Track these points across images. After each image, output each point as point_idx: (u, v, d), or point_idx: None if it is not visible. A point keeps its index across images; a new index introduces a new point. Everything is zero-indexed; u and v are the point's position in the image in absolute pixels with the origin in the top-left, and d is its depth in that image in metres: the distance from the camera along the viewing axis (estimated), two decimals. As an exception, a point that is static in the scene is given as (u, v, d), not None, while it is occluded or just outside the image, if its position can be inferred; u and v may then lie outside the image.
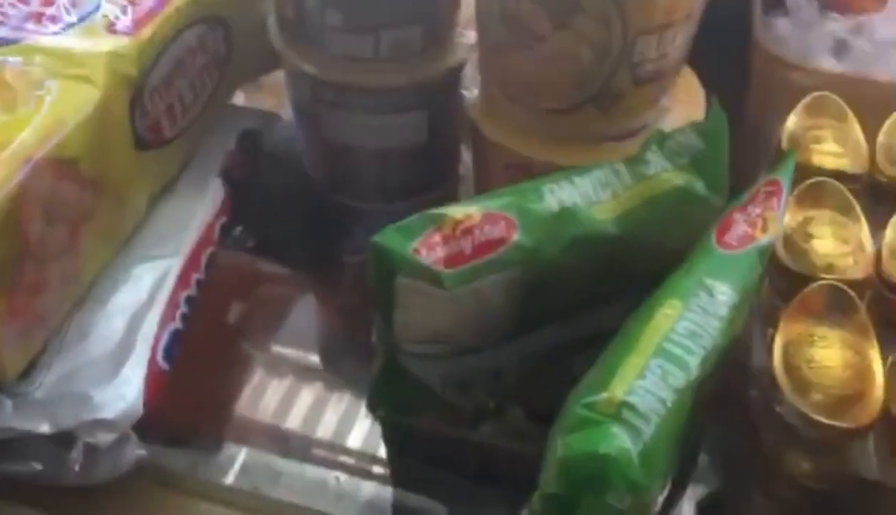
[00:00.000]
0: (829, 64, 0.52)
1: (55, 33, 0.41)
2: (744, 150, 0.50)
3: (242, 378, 0.49)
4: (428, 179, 0.56)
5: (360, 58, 0.49)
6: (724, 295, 0.36)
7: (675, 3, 0.41)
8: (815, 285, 0.41)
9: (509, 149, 0.46)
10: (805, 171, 0.47)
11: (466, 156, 0.57)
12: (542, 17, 0.41)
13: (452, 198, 0.56)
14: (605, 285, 0.40)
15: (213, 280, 0.49)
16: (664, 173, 0.40)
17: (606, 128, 0.45)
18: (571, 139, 0.45)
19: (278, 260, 0.57)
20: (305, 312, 0.57)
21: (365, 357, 0.42)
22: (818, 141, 0.49)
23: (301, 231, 0.58)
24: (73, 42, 0.40)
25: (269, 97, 0.63)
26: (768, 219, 0.40)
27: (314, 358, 0.53)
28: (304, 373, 0.51)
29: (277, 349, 0.52)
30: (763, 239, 0.39)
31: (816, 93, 0.50)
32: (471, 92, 0.48)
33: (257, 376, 0.50)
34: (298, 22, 0.49)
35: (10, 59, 0.39)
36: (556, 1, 0.40)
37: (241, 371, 0.50)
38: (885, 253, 0.42)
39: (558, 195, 0.39)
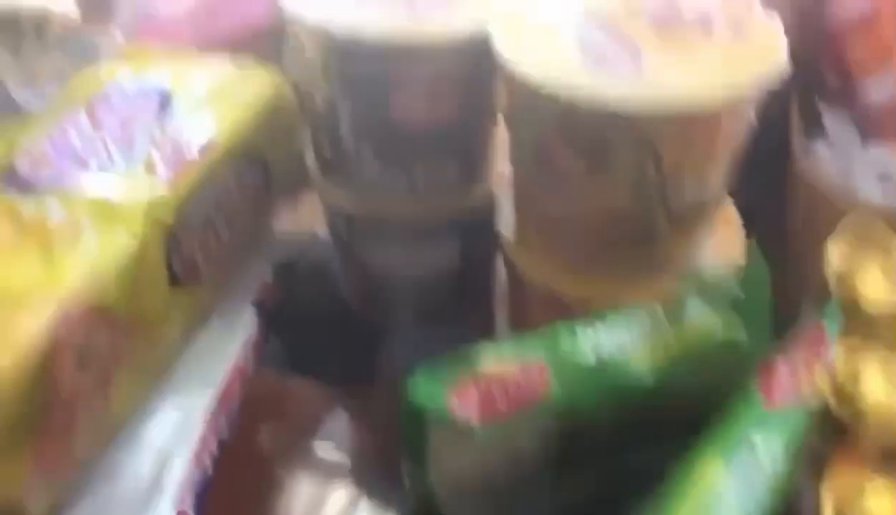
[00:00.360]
0: (875, 196, 0.51)
1: (96, 177, 0.42)
2: (786, 287, 0.49)
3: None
4: (463, 306, 0.55)
5: (395, 192, 0.49)
6: (769, 451, 0.35)
7: (712, 142, 0.41)
8: (865, 432, 0.39)
9: (544, 286, 0.45)
10: (852, 309, 0.46)
11: (502, 279, 0.57)
12: (574, 160, 0.41)
13: (487, 323, 0.56)
14: (640, 430, 0.39)
15: (243, 399, 0.48)
16: (704, 321, 0.39)
17: (643, 265, 0.44)
18: (607, 276, 0.45)
19: (310, 376, 0.57)
20: (337, 433, 0.56)
21: (399, 481, 0.41)
22: (865, 276, 0.48)
23: (334, 348, 0.58)
24: (113, 188, 0.41)
25: (307, 214, 0.64)
26: (814, 367, 0.38)
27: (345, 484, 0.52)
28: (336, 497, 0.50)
29: (307, 474, 0.51)
30: (809, 390, 0.37)
31: (862, 221, 0.49)
32: (506, 224, 0.48)
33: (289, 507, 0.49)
34: (334, 157, 0.50)
35: (50, 204, 0.40)
36: (588, 144, 0.40)
37: (271, 504, 0.49)
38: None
39: (594, 341, 0.39)
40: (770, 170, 0.52)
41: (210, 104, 0.48)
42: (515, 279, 0.48)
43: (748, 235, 0.47)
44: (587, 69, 0.39)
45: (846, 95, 0.58)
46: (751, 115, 0.42)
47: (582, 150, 0.41)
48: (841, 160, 0.53)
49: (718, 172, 0.43)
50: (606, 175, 0.41)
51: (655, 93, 0.38)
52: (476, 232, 0.52)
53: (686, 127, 0.39)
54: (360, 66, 0.45)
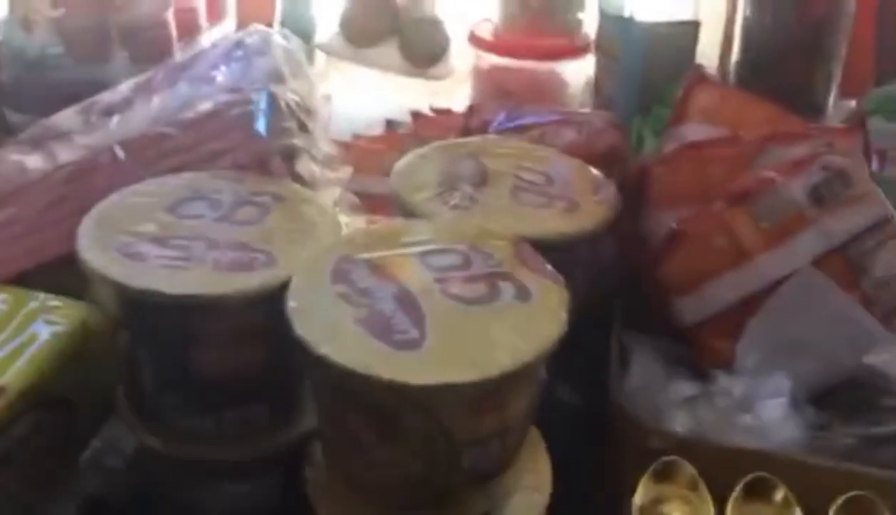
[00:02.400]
0: (679, 424, 0.53)
1: None
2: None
3: None
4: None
5: (202, 435, 0.48)
6: None
7: (501, 406, 0.41)
8: None
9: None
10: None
11: None
12: (365, 427, 0.41)
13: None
14: None
15: None
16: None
17: (445, 523, 0.44)
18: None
19: None
20: None
21: None
22: (667, 511, 0.49)
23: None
24: None
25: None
26: None
27: None
28: None
29: None
30: None
31: (667, 459, 0.51)
32: (314, 473, 0.47)
33: None
34: (139, 400, 0.49)
35: None
36: (382, 419, 0.40)
37: None
38: None
39: None
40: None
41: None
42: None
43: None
44: (375, 344, 0.39)
45: (661, 320, 0.61)
46: (541, 373, 0.43)
47: (372, 419, 0.41)
48: (649, 389, 0.55)
49: (516, 429, 0.44)
50: (397, 443, 0.41)
51: (437, 367, 0.39)
52: (294, 469, 0.51)
53: (471, 396, 0.40)
54: (157, 319, 0.45)
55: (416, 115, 0.97)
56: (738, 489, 0.49)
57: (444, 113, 0.97)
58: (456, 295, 0.43)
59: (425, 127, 0.95)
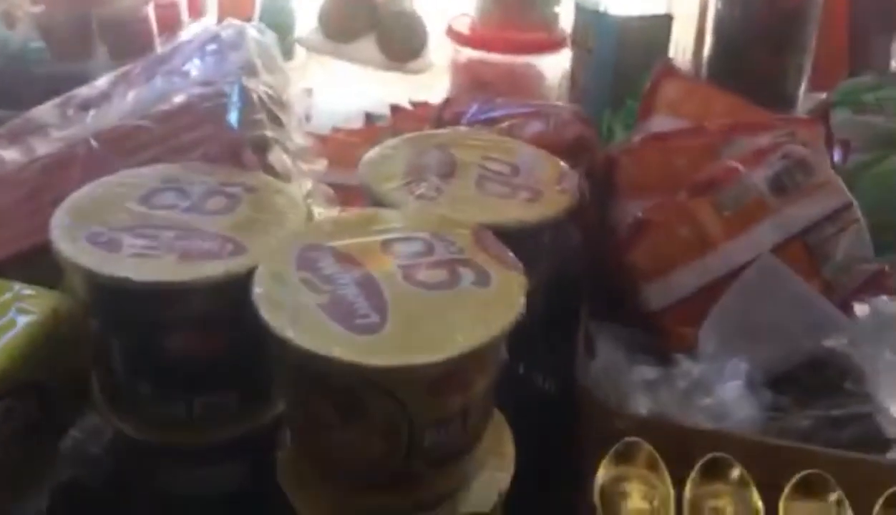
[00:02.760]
0: (642, 406, 0.54)
1: None
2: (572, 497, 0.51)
3: None
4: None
5: (174, 420, 0.49)
6: None
7: (461, 388, 0.43)
8: None
9: (315, 523, 0.46)
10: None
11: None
12: (330, 411, 0.42)
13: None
14: None
15: None
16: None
17: (409, 504, 0.45)
18: (377, 513, 0.45)
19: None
20: None
21: None
22: (626, 496, 0.50)
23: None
24: None
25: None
26: None
27: None
28: None
29: None
30: None
31: (628, 440, 0.52)
32: (285, 457, 0.48)
33: None
34: (112, 386, 0.50)
35: None
36: (344, 400, 0.41)
37: None
38: None
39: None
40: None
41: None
42: (289, 509, 0.48)
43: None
44: (336, 328, 0.41)
45: (627, 306, 0.62)
46: (501, 354, 0.44)
47: (334, 401, 0.42)
48: (612, 372, 0.56)
49: (477, 410, 0.45)
50: (359, 424, 0.42)
51: (396, 350, 0.40)
52: (265, 452, 0.52)
53: (430, 378, 0.41)
54: (126, 307, 0.46)
55: (395, 109, 0.98)
56: (695, 468, 0.51)
57: (423, 106, 0.98)
58: (417, 281, 0.44)
59: (404, 120, 0.96)
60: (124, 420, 0.50)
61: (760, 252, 0.59)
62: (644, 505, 0.49)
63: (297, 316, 0.41)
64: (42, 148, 0.64)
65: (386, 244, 0.47)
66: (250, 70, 0.62)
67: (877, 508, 0.49)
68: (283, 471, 0.47)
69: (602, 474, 0.50)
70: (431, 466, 0.44)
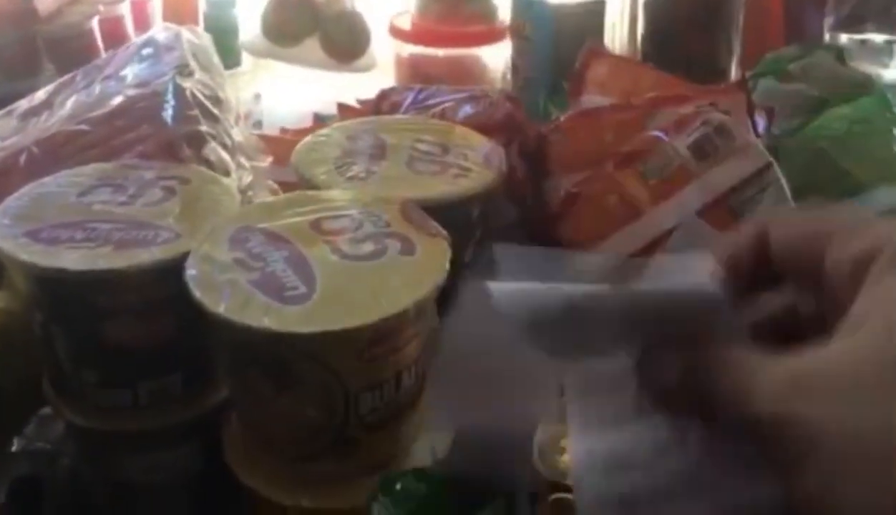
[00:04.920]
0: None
1: None
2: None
3: None
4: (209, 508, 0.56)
5: (120, 408, 0.50)
6: None
7: (393, 351, 0.45)
8: None
9: (262, 495, 0.47)
10: (552, 484, 0.50)
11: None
12: (266, 383, 0.44)
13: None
14: None
15: None
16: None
17: (351, 469, 0.47)
18: (320, 481, 0.47)
19: None
20: None
21: None
22: (564, 451, 0.52)
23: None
24: None
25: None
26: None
27: None
28: None
29: None
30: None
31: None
32: (229, 431, 0.50)
33: None
34: (58, 378, 0.51)
35: None
36: (277, 371, 0.43)
37: None
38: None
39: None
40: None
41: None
42: (238, 485, 0.49)
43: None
44: (266, 300, 0.42)
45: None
46: (430, 319, 0.46)
47: (268, 372, 0.44)
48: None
49: (409, 374, 0.47)
50: (294, 393, 0.44)
51: (323, 317, 0.42)
52: (214, 434, 0.53)
53: (357, 342, 0.43)
54: (66, 298, 0.47)
55: (343, 107, 0.99)
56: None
57: (369, 103, 1.00)
58: (345, 254, 0.46)
59: (352, 118, 0.98)
60: (73, 410, 0.51)
61: (686, 215, 0.62)
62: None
63: (228, 293, 0.43)
64: (-15, 159, 0.65)
65: (315, 222, 0.48)
66: (185, 70, 0.63)
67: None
68: (229, 447, 0.49)
69: (540, 433, 0.52)
70: (369, 431, 0.46)
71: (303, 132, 0.99)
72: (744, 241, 0.28)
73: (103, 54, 1.05)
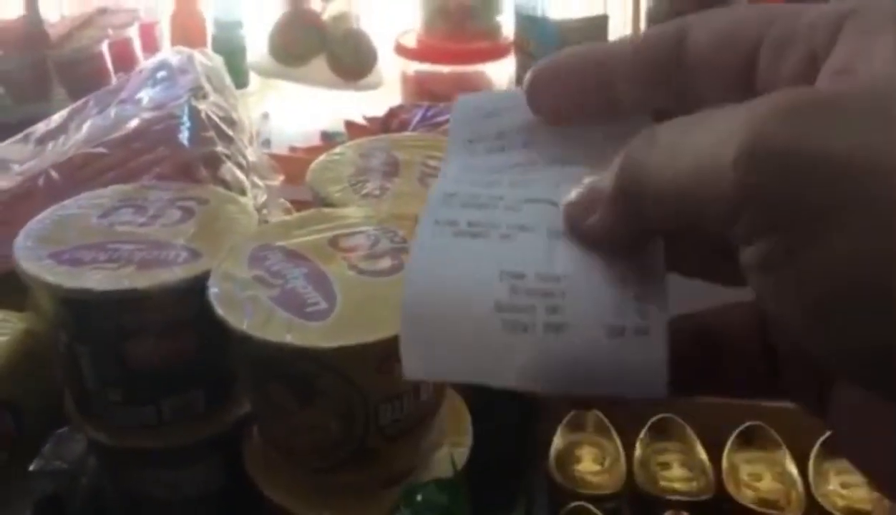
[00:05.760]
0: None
1: None
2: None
3: None
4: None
5: (145, 425, 0.51)
6: None
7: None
8: None
9: (282, 505, 0.48)
10: (568, 492, 0.51)
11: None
12: (288, 397, 0.45)
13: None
14: None
15: None
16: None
17: (371, 480, 0.48)
18: (341, 493, 0.48)
19: None
20: None
21: None
22: (579, 460, 0.53)
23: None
24: None
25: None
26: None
27: None
28: None
29: None
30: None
31: (576, 411, 0.55)
32: (251, 444, 0.51)
33: None
34: (82, 396, 0.52)
35: None
36: (299, 385, 0.44)
37: None
38: None
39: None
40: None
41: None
42: (260, 497, 0.50)
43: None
44: (287, 316, 0.43)
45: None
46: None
47: (290, 386, 0.44)
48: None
49: (427, 385, 0.48)
50: (316, 406, 0.45)
51: (344, 332, 0.43)
52: (235, 451, 0.54)
53: (377, 356, 0.44)
54: (90, 318, 0.48)
55: (350, 125, 1.01)
56: (644, 429, 0.54)
57: (376, 121, 1.02)
58: (362, 269, 0.47)
59: (359, 135, 0.99)
60: (97, 428, 0.52)
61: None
62: (596, 467, 0.52)
63: (250, 310, 0.44)
64: (3, 183, 0.67)
65: (333, 239, 0.49)
66: (199, 92, 0.65)
67: (813, 452, 0.53)
68: (251, 461, 0.50)
69: (557, 443, 0.53)
70: (389, 442, 0.47)
71: (312, 150, 1.01)
72: (663, 34, 0.24)
73: (113, 77, 1.08)
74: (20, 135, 0.74)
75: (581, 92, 0.25)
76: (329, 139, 1.05)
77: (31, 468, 0.58)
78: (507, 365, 0.21)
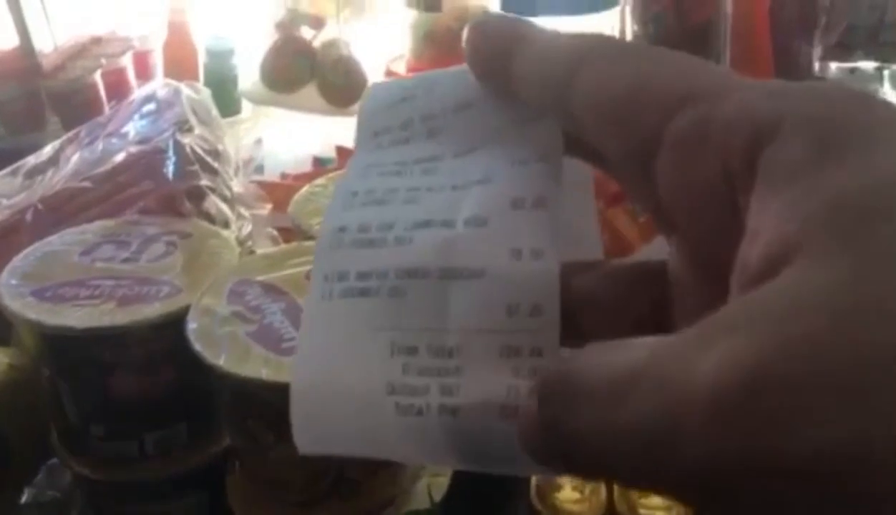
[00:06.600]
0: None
1: None
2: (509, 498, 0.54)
3: None
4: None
5: (127, 458, 0.52)
6: None
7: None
8: None
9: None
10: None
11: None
12: (266, 432, 0.45)
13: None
14: None
15: None
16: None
17: (351, 512, 0.48)
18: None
19: None
20: None
21: None
22: (559, 488, 0.53)
23: None
24: None
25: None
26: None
27: None
28: None
29: None
30: None
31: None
32: (232, 478, 0.51)
33: None
34: (65, 430, 0.53)
35: None
36: (276, 419, 0.45)
37: None
38: None
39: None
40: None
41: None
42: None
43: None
44: (263, 352, 0.44)
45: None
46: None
47: (267, 421, 0.45)
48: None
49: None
50: (293, 442, 0.45)
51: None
52: (217, 484, 0.55)
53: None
54: (72, 355, 0.49)
55: (341, 151, 1.02)
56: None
57: (366, 146, 1.02)
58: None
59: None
60: (81, 463, 0.53)
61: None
62: (576, 495, 0.52)
63: (227, 346, 0.44)
64: (-8, 217, 0.67)
65: (310, 273, 0.50)
66: (184, 125, 0.65)
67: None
68: (233, 494, 0.50)
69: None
70: (369, 473, 0.47)
71: (302, 177, 1.02)
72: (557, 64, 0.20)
73: (107, 106, 1.09)
74: (9, 169, 0.74)
75: (490, 60, 0.22)
76: (321, 165, 1.06)
77: (24, 499, 0.59)
78: (402, 442, 0.21)
